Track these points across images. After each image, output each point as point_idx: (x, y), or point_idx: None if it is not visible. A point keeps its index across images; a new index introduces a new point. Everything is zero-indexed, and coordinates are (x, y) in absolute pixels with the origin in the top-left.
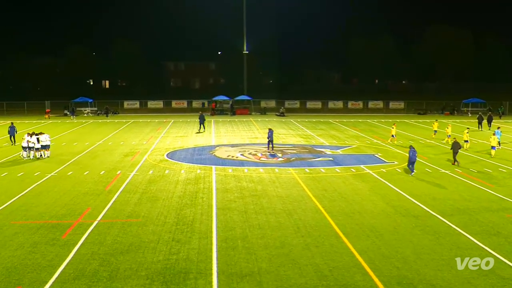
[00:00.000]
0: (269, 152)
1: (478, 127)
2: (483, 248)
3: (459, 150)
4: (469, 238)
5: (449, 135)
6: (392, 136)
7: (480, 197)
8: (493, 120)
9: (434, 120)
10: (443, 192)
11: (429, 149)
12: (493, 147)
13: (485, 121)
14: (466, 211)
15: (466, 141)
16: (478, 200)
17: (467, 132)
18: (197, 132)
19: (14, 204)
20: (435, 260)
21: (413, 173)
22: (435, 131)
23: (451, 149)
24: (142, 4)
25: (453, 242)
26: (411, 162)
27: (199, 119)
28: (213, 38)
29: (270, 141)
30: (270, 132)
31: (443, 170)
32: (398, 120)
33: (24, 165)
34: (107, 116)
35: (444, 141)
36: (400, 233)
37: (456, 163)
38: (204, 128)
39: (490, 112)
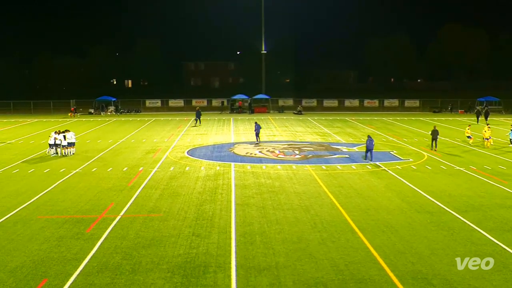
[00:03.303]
0: (256, 143)
1: (477, 122)
2: (497, 244)
3: (438, 137)
4: (483, 234)
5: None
6: (469, 137)
7: (494, 194)
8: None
9: (486, 126)
10: (458, 189)
11: (440, 146)
12: None
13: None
14: (480, 207)
15: (488, 138)
16: (492, 196)
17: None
18: (193, 126)
19: (41, 199)
20: (450, 256)
21: (368, 161)
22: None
23: (430, 134)
24: (164, 6)
25: (467, 238)
26: (368, 150)
27: (196, 115)
28: (232, 38)
29: (256, 134)
30: (257, 125)
31: (458, 167)
32: (413, 118)
33: (50, 162)
34: (116, 113)
35: (484, 144)
36: (415, 228)
37: (435, 149)
38: (200, 123)
39: (486, 108)
